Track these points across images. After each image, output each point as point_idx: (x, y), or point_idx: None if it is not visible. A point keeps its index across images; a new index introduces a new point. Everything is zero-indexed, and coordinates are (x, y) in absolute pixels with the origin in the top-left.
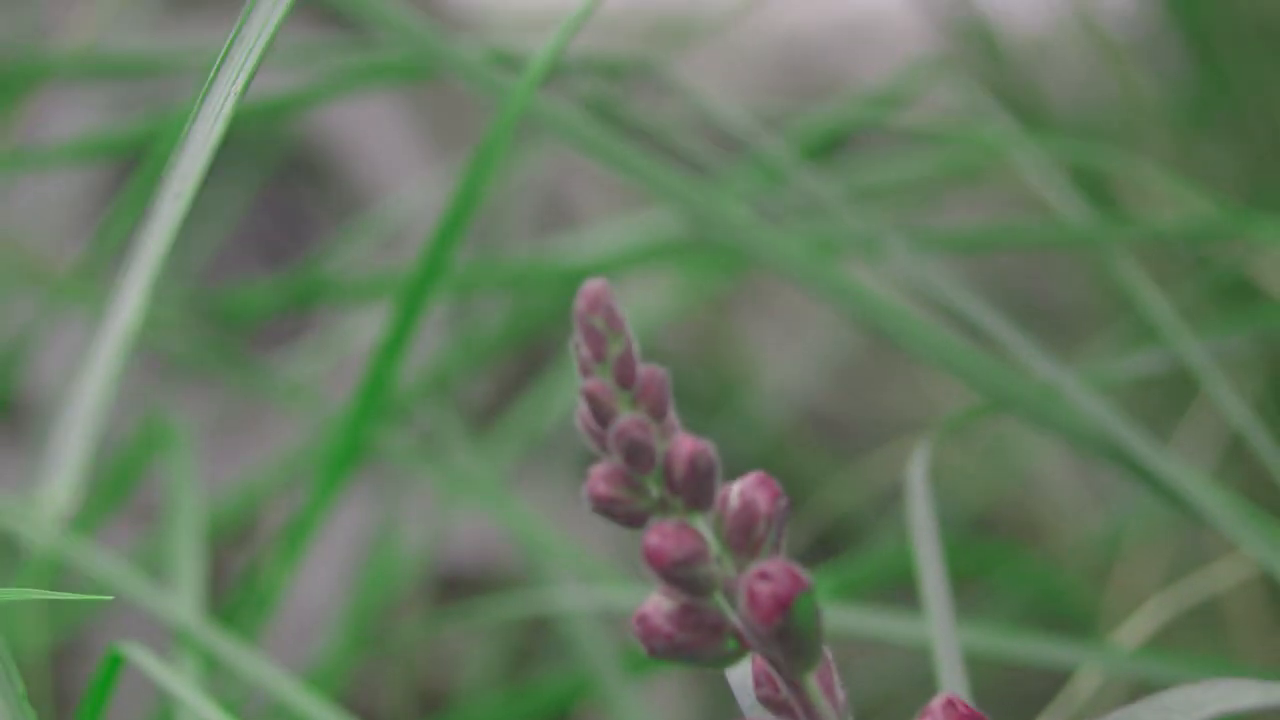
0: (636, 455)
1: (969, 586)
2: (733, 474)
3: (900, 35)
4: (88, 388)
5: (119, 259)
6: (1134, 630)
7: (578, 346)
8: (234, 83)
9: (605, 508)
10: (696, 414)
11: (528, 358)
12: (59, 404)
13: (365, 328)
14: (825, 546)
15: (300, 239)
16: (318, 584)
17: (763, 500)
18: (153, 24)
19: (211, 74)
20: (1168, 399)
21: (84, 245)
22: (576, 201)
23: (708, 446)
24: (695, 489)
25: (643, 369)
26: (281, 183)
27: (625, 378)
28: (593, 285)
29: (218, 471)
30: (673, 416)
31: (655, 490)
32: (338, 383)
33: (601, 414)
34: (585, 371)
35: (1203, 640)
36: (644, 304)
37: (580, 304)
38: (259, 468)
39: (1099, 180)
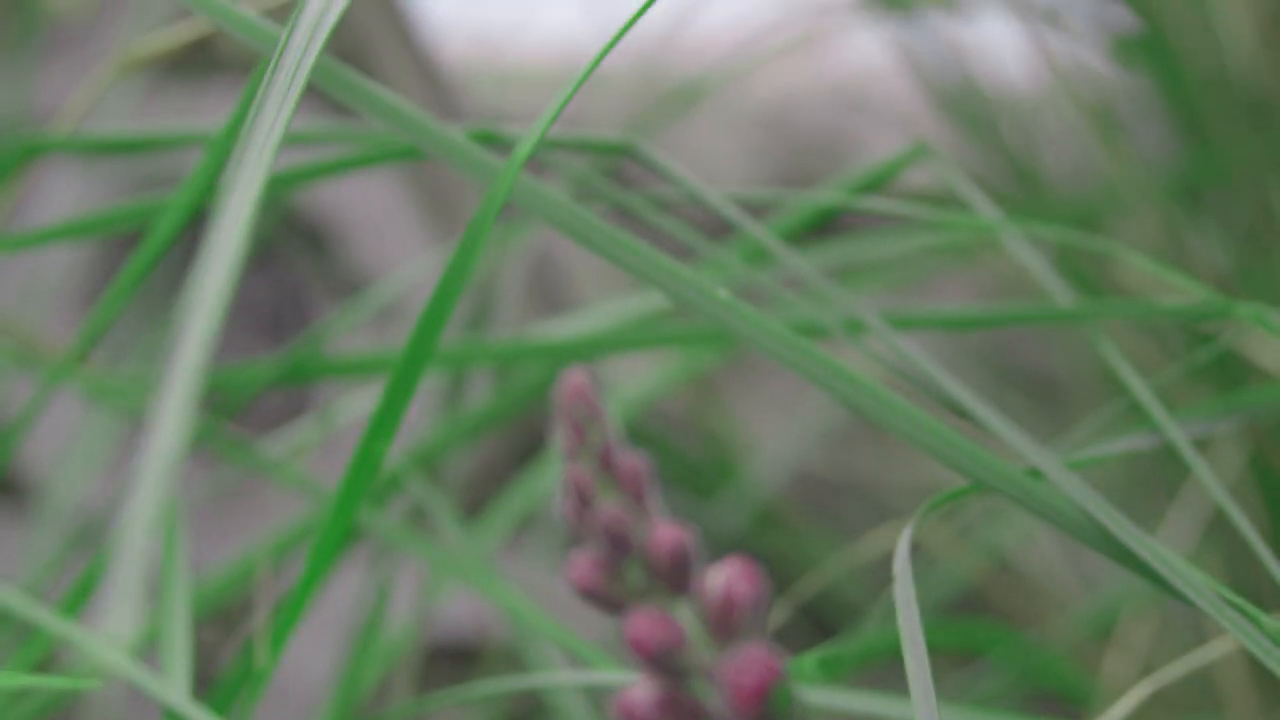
0: (616, 544)
1: (959, 665)
2: (721, 545)
3: (891, 97)
4: (138, 513)
5: (116, 335)
6: (1124, 710)
7: (559, 434)
8: (253, 176)
9: (586, 595)
10: (687, 482)
11: (519, 433)
12: (54, 478)
13: (358, 404)
14: (815, 621)
15: (295, 306)
16: (310, 658)
17: (743, 587)
18: (157, 92)
19: (229, 168)
20: (1161, 472)
21: (80, 319)
22: (568, 264)
23: (687, 535)
24: (676, 577)
25: (623, 456)
26: (277, 250)
27: (606, 465)
28: (573, 375)
29: (211, 546)
30: (653, 503)
31: (636, 578)
32: (331, 458)
33: (582, 502)
34: (566, 459)
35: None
36: (634, 377)
37: (561, 393)
38: (252, 543)
39: (1088, 256)
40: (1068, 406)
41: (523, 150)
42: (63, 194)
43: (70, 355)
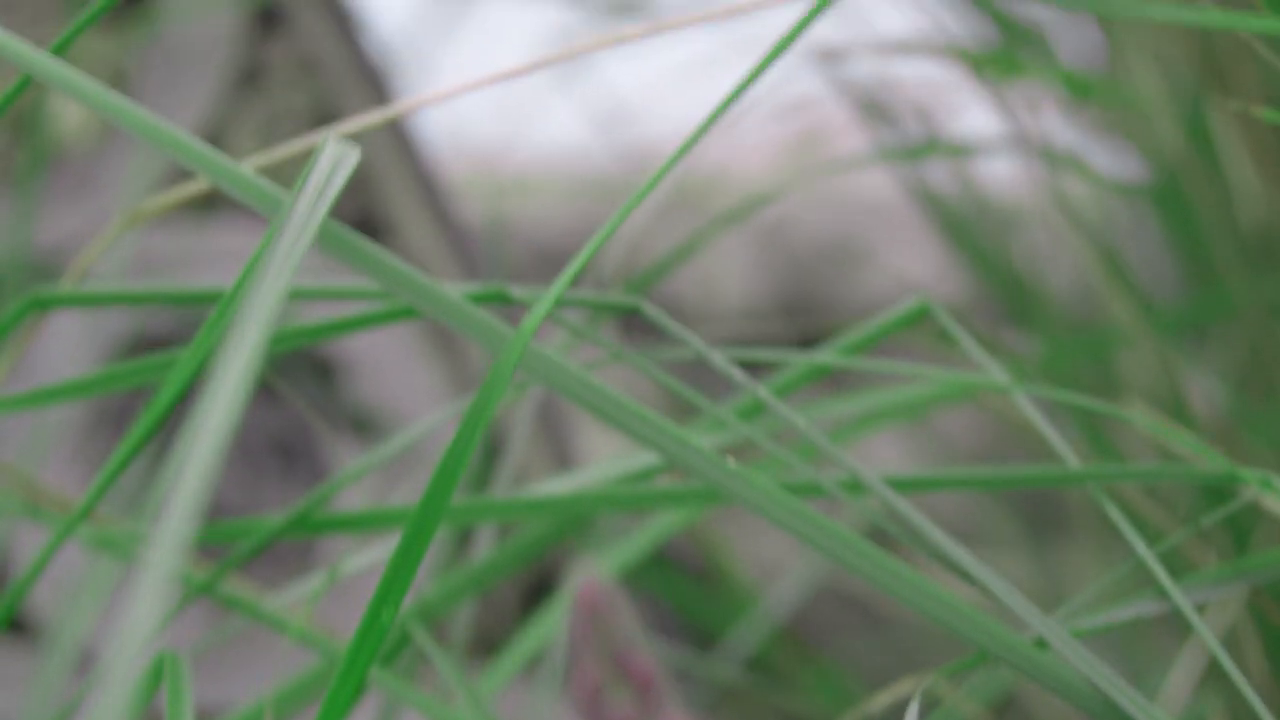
0: None
1: None
2: (724, 687)
3: (893, 213)
4: (118, 680)
5: (124, 485)
6: None
7: (574, 640)
8: (255, 336)
9: None
10: (692, 620)
11: (523, 584)
12: (58, 612)
13: (366, 555)
14: None
15: (303, 435)
16: None
17: None
18: (161, 224)
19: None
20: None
21: (84, 455)
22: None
23: None
24: None
25: (638, 657)
26: (284, 379)
27: (620, 667)
28: (590, 587)
29: (219, 693)
30: (664, 696)
31: None
32: (339, 601)
33: (595, 704)
34: (581, 663)
35: None
36: (638, 519)
37: (578, 603)
38: (261, 685)
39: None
40: (1067, 524)
41: (533, 322)
42: (67, 330)
43: (79, 509)
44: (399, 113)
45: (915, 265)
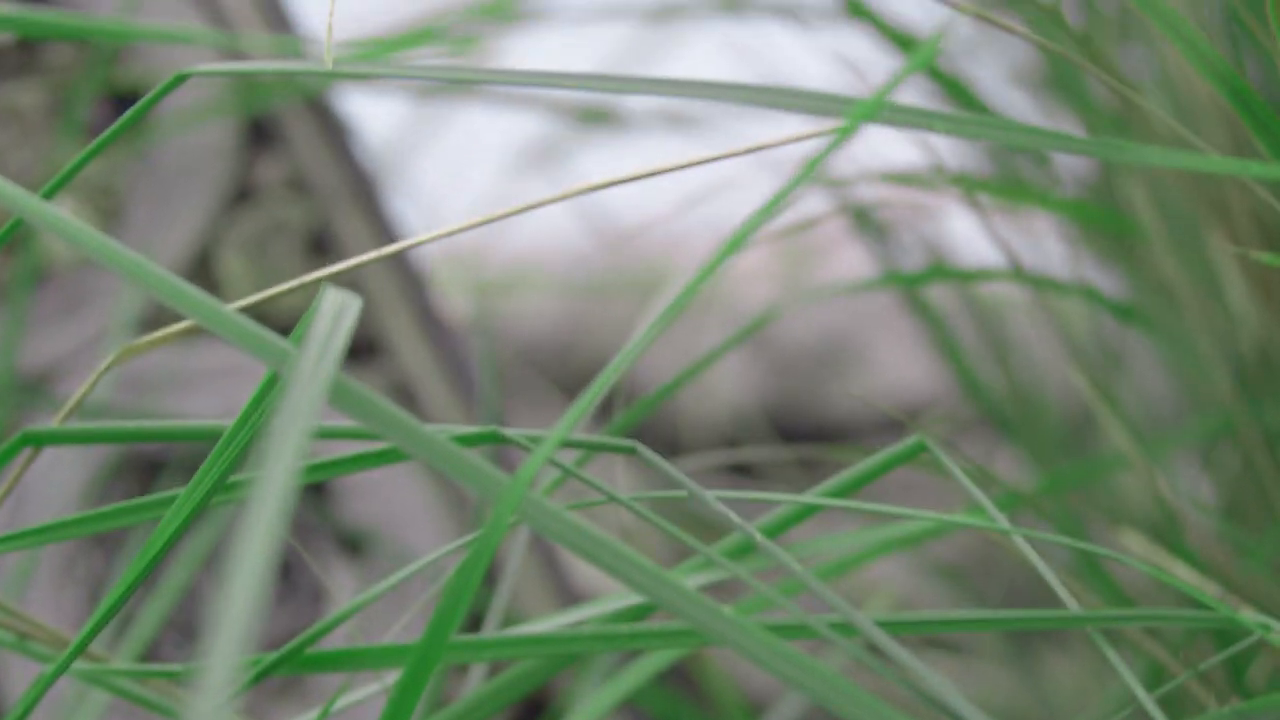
0: None
1: None
2: None
3: (885, 311)
4: None
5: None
6: None
7: None
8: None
9: None
10: None
11: (517, 708)
12: None
13: (360, 692)
14: None
15: (299, 553)
16: None
17: None
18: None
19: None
20: None
21: (74, 589)
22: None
23: None
24: None
25: None
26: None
27: None
28: None
29: None
30: None
31: None
32: None
33: None
34: None
35: None
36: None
37: None
38: None
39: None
40: (1058, 635)
41: (529, 470)
42: (62, 460)
43: (72, 647)
44: (400, 249)
45: (908, 363)
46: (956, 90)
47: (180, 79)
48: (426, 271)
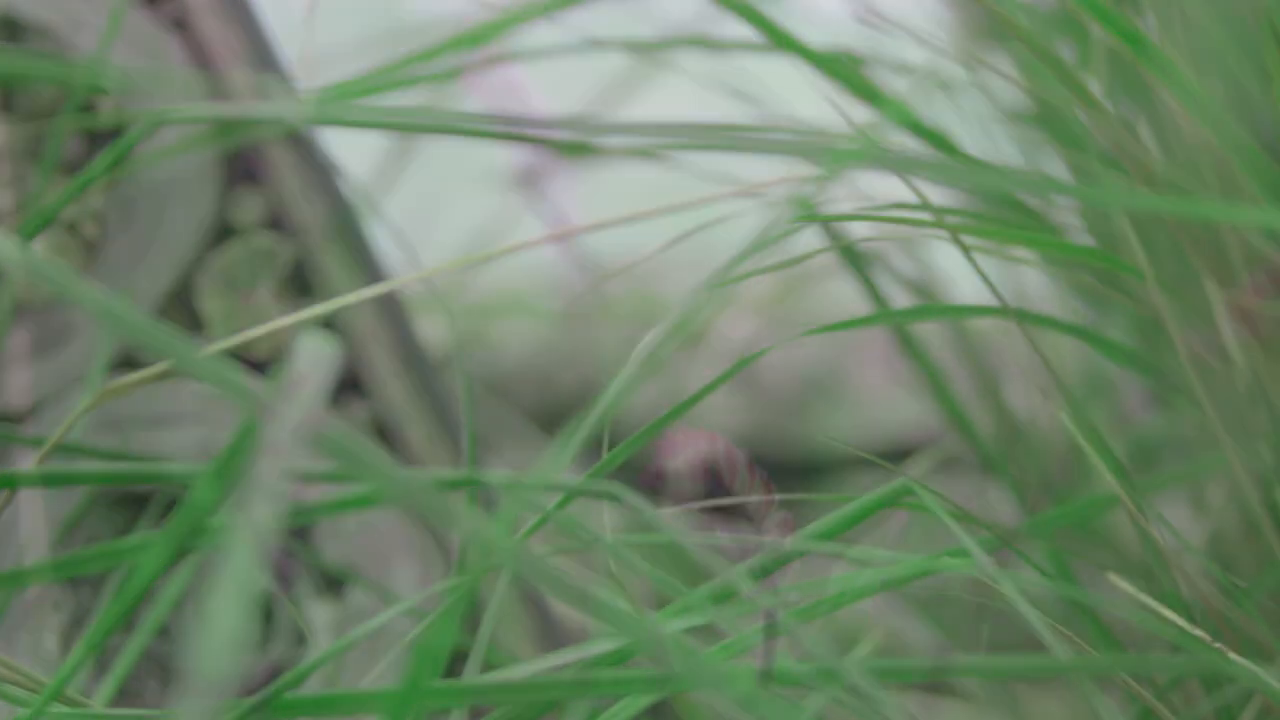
0: None
1: None
2: None
3: (871, 339)
4: None
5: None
6: None
7: None
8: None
9: None
10: None
11: None
12: None
13: None
14: None
15: (280, 595)
16: None
17: None
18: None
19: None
20: None
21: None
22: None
23: None
24: None
25: None
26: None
27: None
28: None
29: None
30: None
31: None
32: None
33: None
34: None
35: None
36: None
37: None
38: None
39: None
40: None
41: (508, 514)
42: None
43: (47, 690)
44: (384, 290)
45: (895, 395)
46: (936, 140)
47: (157, 122)
48: (406, 303)
